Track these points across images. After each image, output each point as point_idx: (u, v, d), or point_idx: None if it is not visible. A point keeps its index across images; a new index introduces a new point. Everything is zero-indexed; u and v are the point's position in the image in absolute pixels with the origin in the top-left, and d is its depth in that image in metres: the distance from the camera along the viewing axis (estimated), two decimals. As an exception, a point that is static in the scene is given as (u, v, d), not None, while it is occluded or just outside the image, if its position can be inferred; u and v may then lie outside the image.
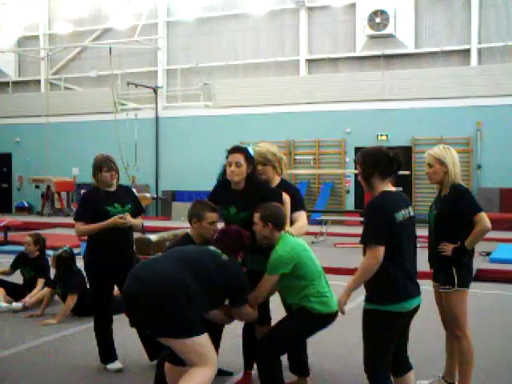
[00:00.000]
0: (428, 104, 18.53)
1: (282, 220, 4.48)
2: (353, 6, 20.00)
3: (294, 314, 4.47)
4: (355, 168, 4.62)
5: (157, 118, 22.08)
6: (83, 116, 22.71)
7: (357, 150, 19.00)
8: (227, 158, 4.73)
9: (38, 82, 24.76)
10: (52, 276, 7.91)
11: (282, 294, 4.63)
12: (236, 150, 4.73)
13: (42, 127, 22.04)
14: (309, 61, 20.88)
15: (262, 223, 4.43)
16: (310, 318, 4.38)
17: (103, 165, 5.46)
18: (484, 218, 4.52)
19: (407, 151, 18.29)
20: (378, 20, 19.14)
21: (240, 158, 4.66)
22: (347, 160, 19.47)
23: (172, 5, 22.57)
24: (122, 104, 22.51)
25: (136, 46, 22.49)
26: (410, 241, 3.97)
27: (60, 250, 7.58)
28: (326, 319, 4.43)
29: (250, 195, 4.68)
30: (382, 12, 19.09)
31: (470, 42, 18.89)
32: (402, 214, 3.86)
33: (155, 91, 22.08)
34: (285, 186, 4.97)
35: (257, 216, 4.46)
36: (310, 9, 20.75)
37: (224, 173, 4.80)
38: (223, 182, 4.84)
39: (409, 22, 19.33)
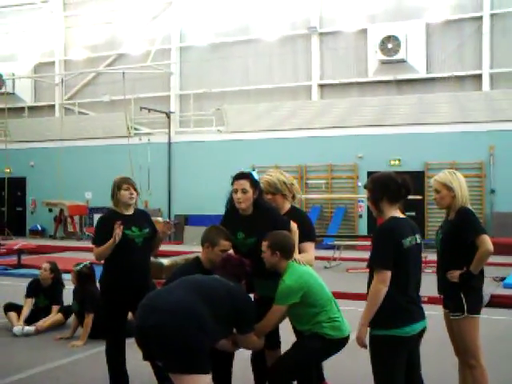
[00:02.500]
0: (440, 128, 18.52)
1: (290, 249, 4.48)
2: (364, 31, 20.12)
3: (306, 339, 4.45)
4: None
5: (169, 143, 22.20)
6: (96, 140, 22.87)
7: (369, 174, 18.83)
8: (232, 184, 4.73)
9: (53, 107, 25.02)
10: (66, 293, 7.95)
11: (292, 321, 4.62)
12: (241, 176, 4.72)
13: (56, 151, 22.22)
14: (321, 86, 20.98)
15: (270, 251, 4.44)
16: (323, 344, 4.37)
17: (123, 183, 5.46)
18: (486, 241, 4.49)
19: (420, 176, 18.22)
20: (389, 45, 19.23)
21: (245, 184, 4.66)
22: (359, 185, 19.43)
23: (185, 30, 22.80)
24: (135, 129, 22.68)
25: (149, 71, 22.71)
26: (416, 267, 4.01)
27: (81, 265, 7.59)
28: (339, 344, 4.42)
29: (258, 221, 4.66)
30: (394, 37, 19.19)
31: (481, 67, 18.93)
32: (409, 241, 3.91)
33: (168, 116, 22.24)
34: (294, 213, 4.95)
35: (265, 244, 4.47)
36: (321, 34, 20.89)
37: (231, 199, 4.79)
38: (231, 207, 4.83)
39: (420, 48, 19.42)
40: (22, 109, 25.11)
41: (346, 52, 20.62)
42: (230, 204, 4.84)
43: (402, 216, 4.01)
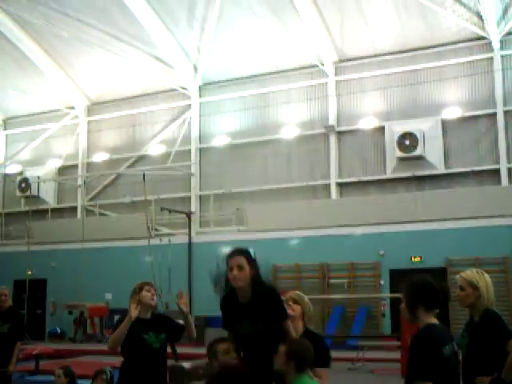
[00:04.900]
0: (461, 224, 18.39)
1: (306, 361, 4.23)
2: (381, 129, 20.39)
3: None
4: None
5: (190, 243, 22.21)
6: (117, 241, 22.97)
7: (391, 272, 18.77)
8: (227, 263, 4.50)
9: (75, 208, 25.32)
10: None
11: None
12: (236, 252, 4.54)
13: (77, 253, 22.29)
14: (340, 184, 21.07)
15: (285, 358, 4.20)
16: None
17: (144, 285, 5.48)
18: None
19: (442, 273, 17.90)
20: (407, 142, 19.42)
21: (241, 260, 4.47)
22: (382, 283, 19.17)
23: (204, 132, 23.26)
24: (156, 229, 22.77)
25: (169, 172, 23.05)
26: (455, 377, 3.83)
27: (101, 372, 7.35)
28: None
29: (259, 309, 4.41)
30: (411, 134, 19.41)
31: (499, 162, 18.98)
32: (448, 349, 3.73)
33: (188, 216, 22.34)
34: (308, 335, 4.61)
35: (282, 348, 4.24)
36: (339, 133, 21.17)
37: (227, 280, 4.54)
38: (229, 294, 4.59)
39: (437, 144, 19.57)
40: (45, 211, 25.44)
41: (363, 150, 20.81)
42: (227, 289, 4.59)
43: (438, 323, 3.85)
